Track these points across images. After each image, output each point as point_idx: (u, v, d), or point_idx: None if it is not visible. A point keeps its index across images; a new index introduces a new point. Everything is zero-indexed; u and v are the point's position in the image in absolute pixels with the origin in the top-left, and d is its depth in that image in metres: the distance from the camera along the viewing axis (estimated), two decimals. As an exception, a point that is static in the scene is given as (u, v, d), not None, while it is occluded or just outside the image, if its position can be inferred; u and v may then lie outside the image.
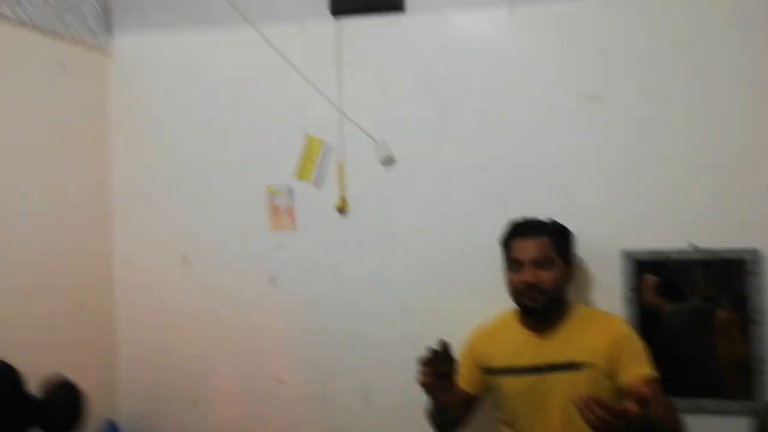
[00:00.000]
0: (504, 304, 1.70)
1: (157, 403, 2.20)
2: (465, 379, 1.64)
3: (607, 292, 1.77)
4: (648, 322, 1.72)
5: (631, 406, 1.23)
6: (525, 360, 1.57)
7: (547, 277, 1.54)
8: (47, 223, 1.98)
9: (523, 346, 1.60)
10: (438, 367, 1.39)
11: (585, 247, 1.76)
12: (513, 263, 1.60)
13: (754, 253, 1.63)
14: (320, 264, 2.03)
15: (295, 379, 2.05)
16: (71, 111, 2.11)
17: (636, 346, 1.53)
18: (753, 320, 1.63)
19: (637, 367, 1.49)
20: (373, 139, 1.96)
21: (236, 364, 2.12)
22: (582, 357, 1.52)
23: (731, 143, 1.70)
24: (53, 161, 2.02)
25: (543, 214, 1.77)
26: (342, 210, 2.00)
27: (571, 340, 1.56)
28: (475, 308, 1.84)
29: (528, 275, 1.54)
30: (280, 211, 2.06)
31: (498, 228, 1.83)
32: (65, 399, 1.14)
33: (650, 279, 1.74)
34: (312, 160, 2.01)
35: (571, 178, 1.83)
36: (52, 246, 1.99)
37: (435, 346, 1.39)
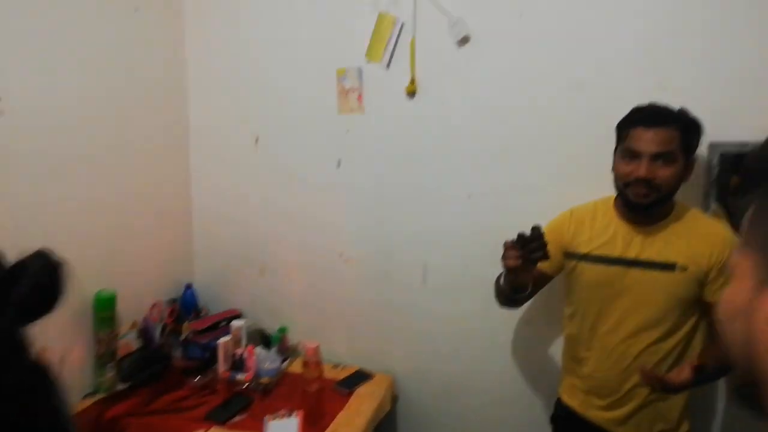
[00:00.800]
0: (577, 195, 1.67)
1: (227, 270, 2.39)
2: None
3: (688, 187, 1.68)
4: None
5: (684, 374, 1.31)
6: (616, 251, 1.50)
7: (664, 173, 1.38)
8: (127, 102, 2.07)
9: (617, 236, 1.51)
10: (526, 250, 1.35)
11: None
12: (628, 153, 1.43)
13: None
14: (387, 148, 2.03)
15: (357, 255, 2.14)
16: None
17: None
18: None
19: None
20: (448, 16, 1.87)
21: (302, 239, 2.23)
22: (678, 258, 1.43)
23: None
24: (134, 41, 2.07)
25: (629, 101, 1.67)
26: (412, 93, 1.95)
27: (671, 241, 1.46)
28: (542, 196, 1.81)
29: (642, 169, 1.38)
30: (349, 93, 2.04)
31: (579, 116, 1.78)
32: (39, 268, 0.95)
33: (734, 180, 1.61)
34: (383, 39, 1.96)
35: (661, 59, 1.67)
36: (132, 123, 2.10)
37: (528, 231, 1.36)
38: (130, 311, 2.07)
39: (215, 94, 2.29)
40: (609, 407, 1.56)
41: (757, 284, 0.48)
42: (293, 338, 2.27)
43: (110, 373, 1.94)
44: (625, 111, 1.67)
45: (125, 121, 2.06)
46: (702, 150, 1.63)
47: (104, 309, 1.92)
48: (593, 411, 1.59)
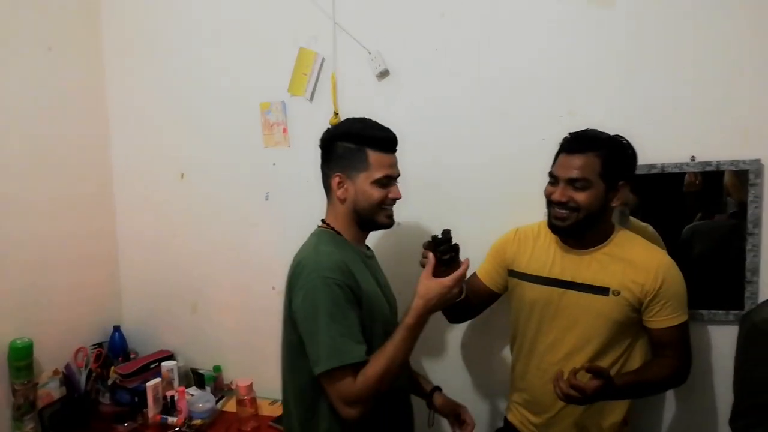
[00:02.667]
0: (497, 222, 1.74)
1: (158, 309, 2.33)
2: (489, 274, 1.69)
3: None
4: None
5: (593, 383, 1.30)
6: (553, 272, 1.54)
7: (579, 197, 1.42)
8: (47, 145, 2.04)
9: (556, 258, 1.55)
10: (437, 252, 1.35)
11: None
12: (551, 176, 1.50)
13: (756, 163, 1.57)
14: (313, 180, 2.03)
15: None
16: (64, 29, 2.11)
17: (675, 293, 1.45)
18: (749, 232, 1.59)
19: (668, 318, 1.45)
20: (367, 50, 1.91)
21: (234, 274, 2.21)
22: (613, 283, 1.46)
23: (733, 50, 1.59)
24: (49, 82, 2.04)
25: (542, 127, 1.74)
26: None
27: (606, 265, 1.48)
28: (467, 223, 1.84)
29: (557, 193, 1.45)
30: (274, 126, 2.05)
31: (499, 143, 1.83)
32: None
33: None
34: (305, 73, 1.98)
35: (570, 87, 1.75)
36: (53, 166, 2.06)
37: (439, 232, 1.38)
38: (52, 358, 1.99)
39: (138, 132, 2.27)
40: (544, 425, 1.59)
41: None
42: (229, 376, 2.22)
43: (30, 425, 1.85)
44: (538, 136, 1.75)
45: (42, 162, 2.01)
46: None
47: (20, 358, 1.83)
48: (529, 427, 1.62)
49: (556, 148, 1.72)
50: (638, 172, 1.67)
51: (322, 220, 1.52)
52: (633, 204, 1.69)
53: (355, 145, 1.41)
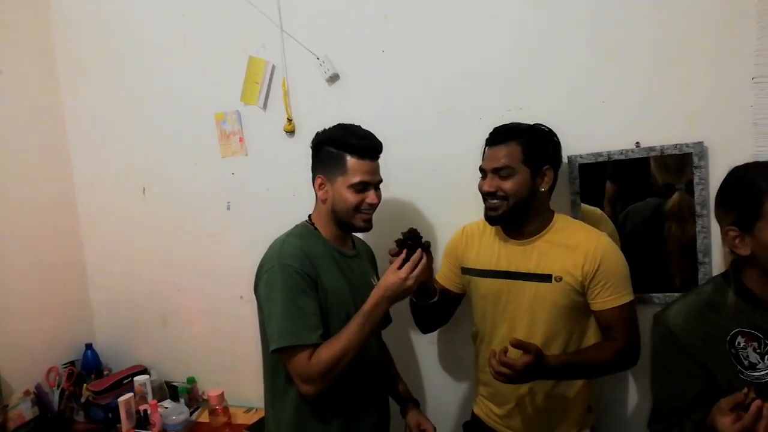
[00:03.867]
0: (460, 215, 1.75)
1: (129, 325, 2.35)
2: (446, 276, 1.71)
3: (554, 197, 1.75)
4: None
5: (519, 360, 1.31)
6: (500, 265, 1.57)
7: (506, 185, 1.47)
8: (6, 172, 2.07)
9: (501, 251, 1.59)
10: (405, 246, 1.41)
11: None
12: (481, 171, 1.56)
13: (699, 146, 1.58)
14: (272, 186, 2.06)
15: (256, 297, 2.12)
16: (15, 52, 2.13)
17: (615, 272, 1.47)
18: (697, 214, 1.60)
19: (611, 299, 1.47)
20: (315, 56, 1.92)
21: (201, 285, 2.23)
22: (554, 270, 1.49)
23: (680, 37, 1.59)
24: (2, 104, 2.06)
25: (491, 122, 1.75)
26: (291, 131, 1.99)
27: (547, 253, 1.52)
28: (426, 219, 1.86)
29: (485, 184, 1.51)
30: (230, 136, 2.06)
31: (447, 140, 1.84)
32: None
33: (609, 187, 1.69)
34: (256, 82, 1.99)
35: (516, 82, 1.76)
36: (13, 193, 2.09)
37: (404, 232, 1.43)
38: (22, 379, 2.00)
39: (97, 150, 2.29)
40: (507, 416, 1.60)
41: None
42: (203, 387, 2.23)
43: (2, 448, 1.86)
44: (486, 132, 1.76)
45: (1, 189, 2.03)
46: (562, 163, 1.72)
47: (-15, 382, 1.85)
48: (493, 418, 1.64)
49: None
50: (586, 161, 1.70)
51: (309, 215, 1.60)
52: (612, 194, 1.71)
53: (336, 150, 1.48)
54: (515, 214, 1.51)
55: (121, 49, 2.20)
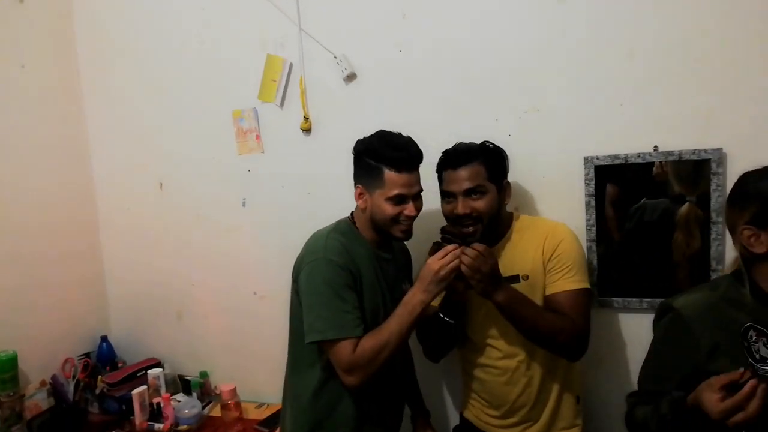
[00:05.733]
0: None
1: (144, 318, 2.38)
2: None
3: (568, 199, 1.76)
4: (606, 227, 1.72)
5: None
6: None
7: (479, 205, 1.48)
8: (26, 163, 2.10)
9: None
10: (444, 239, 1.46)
11: (547, 153, 1.75)
12: (445, 194, 1.55)
13: (718, 152, 1.57)
14: (288, 184, 2.07)
15: (271, 292, 2.14)
16: (37, 46, 2.15)
17: (570, 256, 1.51)
18: (712, 221, 1.60)
19: (564, 281, 1.49)
20: (333, 54, 1.93)
21: (216, 280, 2.24)
22: (520, 269, 1.53)
23: (700, 38, 1.58)
24: (18, 98, 2.08)
25: (507, 123, 1.76)
26: (307, 129, 2.00)
27: (512, 253, 1.56)
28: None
29: (460, 206, 1.49)
30: (247, 133, 2.08)
31: (462, 140, 1.82)
32: None
33: (610, 188, 1.69)
34: (274, 80, 2.01)
35: (533, 83, 1.75)
36: (33, 184, 2.12)
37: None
38: (39, 369, 2.04)
39: (116, 144, 2.32)
40: (503, 416, 1.61)
41: None
42: (216, 381, 2.25)
43: (18, 436, 1.89)
44: (504, 133, 1.76)
45: (22, 180, 2.06)
46: (578, 163, 1.72)
47: (4, 371, 1.88)
48: (486, 420, 1.65)
49: (522, 145, 1.75)
50: (603, 163, 1.69)
51: (352, 212, 1.60)
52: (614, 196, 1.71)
53: (374, 162, 1.47)
54: (487, 232, 1.51)
55: (140, 44, 2.22)
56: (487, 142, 1.57)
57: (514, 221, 1.62)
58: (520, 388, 1.56)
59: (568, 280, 1.50)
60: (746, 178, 1.22)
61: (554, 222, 1.62)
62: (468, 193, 1.49)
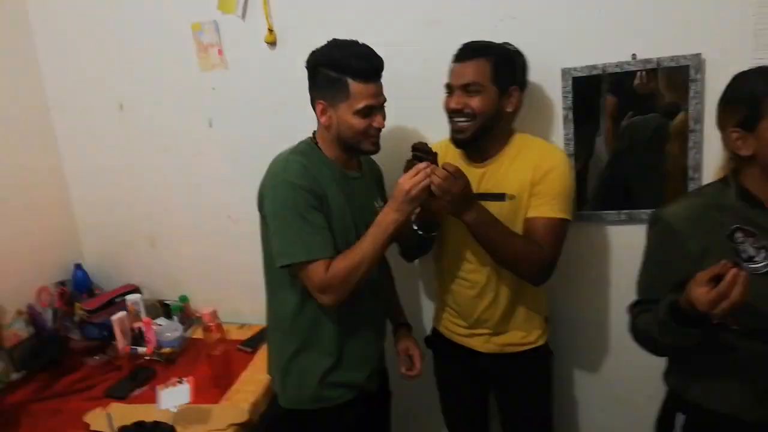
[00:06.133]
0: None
1: (118, 245, 2.34)
2: None
3: (546, 112, 1.72)
4: (585, 141, 1.69)
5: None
6: None
7: (474, 102, 1.44)
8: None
9: None
10: (414, 156, 1.42)
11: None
12: (447, 88, 1.52)
13: (696, 58, 1.53)
14: (255, 101, 1.98)
15: (245, 215, 2.07)
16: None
17: (558, 184, 1.47)
18: (690, 129, 1.59)
19: (545, 207, 1.47)
20: (297, -41, 1.79)
21: (188, 205, 2.20)
22: (508, 188, 1.50)
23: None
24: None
25: (480, 33, 1.67)
26: (272, 42, 1.89)
27: (503, 171, 1.52)
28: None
29: (453, 101, 1.47)
30: (208, 48, 1.96)
31: (435, 53, 1.75)
32: None
33: (609, 99, 1.65)
34: (234, -12, 1.86)
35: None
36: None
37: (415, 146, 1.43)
38: (12, 299, 2.01)
39: (69, 64, 2.17)
40: (470, 327, 1.66)
41: None
42: (196, 305, 2.26)
43: (0, 364, 1.90)
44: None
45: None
46: (555, 75, 1.67)
47: (-24, 302, 1.86)
48: (456, 331, 1.70)
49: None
50: (581, 74, 1.64)
51: (314, 133, 1.54)
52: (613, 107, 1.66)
53: (336, 74, 1.39)
54: (481, 134, 1.48)
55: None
56: (508, 44, 1.52)
57: (512, 137, 1.56)
58: (487, 301, 1.59)
59: (549, 207, 1.47)
60: (736, 79, 1.21)
61: (552, 146, 1.57)
62: (464, 88, 1.45)
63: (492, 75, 1.45)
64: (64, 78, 2.19)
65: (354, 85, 1.38)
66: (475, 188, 1.51)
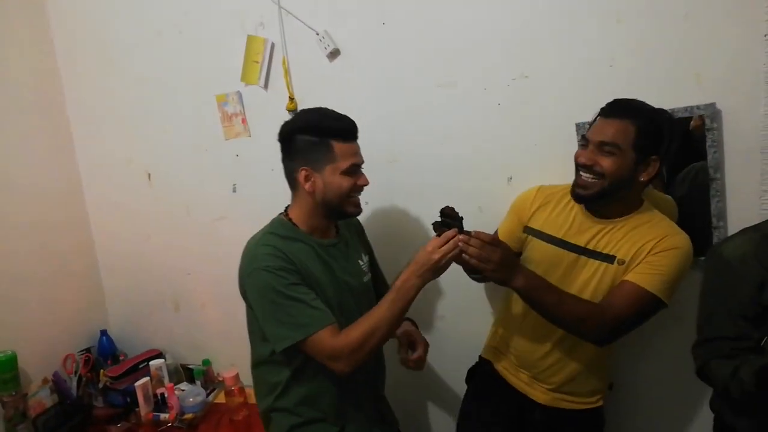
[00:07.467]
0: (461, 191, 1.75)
1: (142, 310, 2.37)
2: (509, 232, 1.65)
3: (561, 166, 1.72)
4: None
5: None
6: (568, 235, 1.50)
7: (605, 162, 1.36)
8: (12, 159, 2.08)
9: (574, 222, 1.51)
10: (438, 223, 1.39)
11: (538, 120, 1.72)
12: (583, 140, 1.45)
13: (711, 107, 1.54)
14: (277, 167, 2.02)
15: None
16: (12, 39, 2.11)
17: (673, 263, 1.36)
18: (710, 177, 1.57)
19: (642, 275, 1.37)
20: (315, 31, 1.88)
21: (211, 268, 2.23)
22: (622, 253, 1.42)
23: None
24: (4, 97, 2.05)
25: (497, 92, 1.73)
26: (293, 110, 1.96)
27: (622, 235, 1.44)
28: (434, 194, 1.83)
29: (583, 155, 1.40)
30: (233, 117, 2.04)
31: (450, 111, 1.80)
32: None
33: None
34: (256, 61, 1.96)
35: (520, 49, 1.71)
36: (20, 182, 2.10)
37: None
38: (40, 367, 2.03)
39: (100, 138, 2.28)
40: (530, 380, 1.60)
41: None
42: (218, 368, 2.25)
43: (24, 434, 1.89)
44: (493, 102, 1.74)
45: (8, 178, 2.04)
46: (569, 129, 1.69)
47: (4, 371, 1.88)
48: (518, 376, 1.64)
49: (512, 112, 1.73)
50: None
51: (286, 208, 1.55)
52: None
53: (318, 138, 1.41)
54: (606, 196, 1.40)
55: (118, 33, 2.17)
56: (663, 110, 1.44)
57: (640, 207, 1.47)
58: (554, 359, 1.54)
59: (649, 279, 1.36)
60: None
61: (680, 230, 1.44)
62: (600, 145, 1.38)
63: (634, 139, 1.35)
64: (95, 152, 2.31)
65: (338, 146, 1.40)
66: (584, 241, 1.48)
